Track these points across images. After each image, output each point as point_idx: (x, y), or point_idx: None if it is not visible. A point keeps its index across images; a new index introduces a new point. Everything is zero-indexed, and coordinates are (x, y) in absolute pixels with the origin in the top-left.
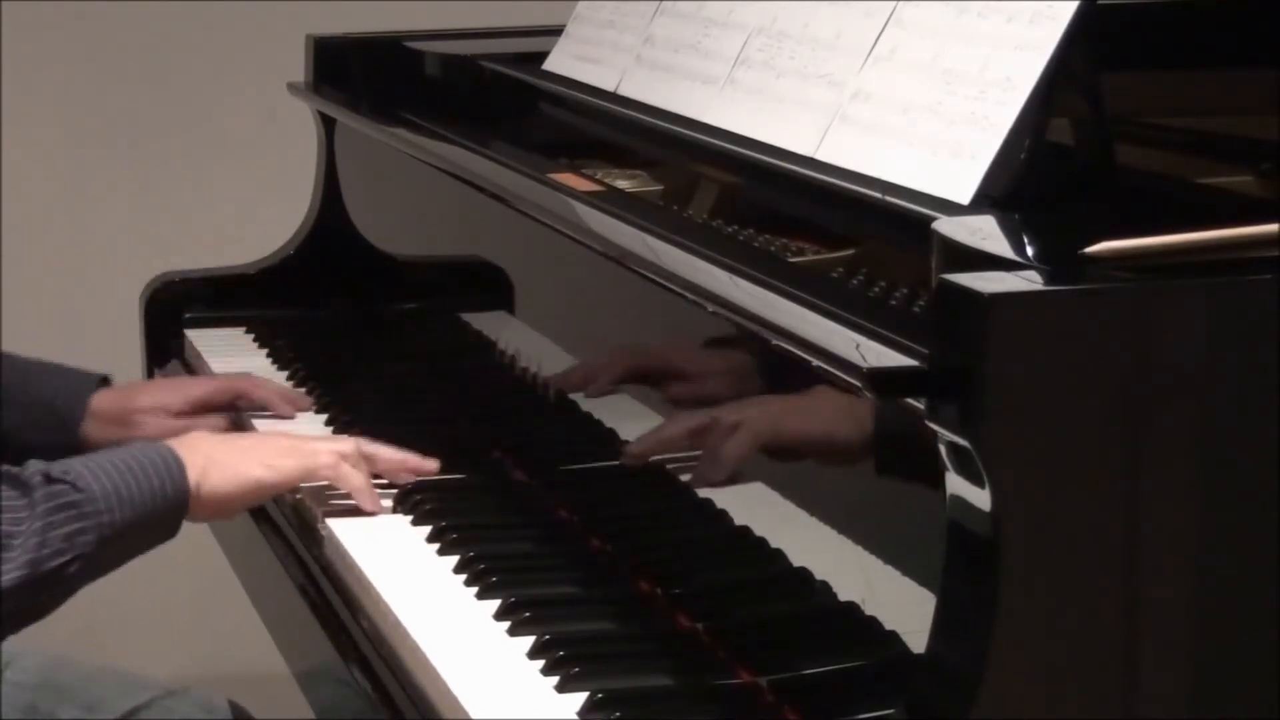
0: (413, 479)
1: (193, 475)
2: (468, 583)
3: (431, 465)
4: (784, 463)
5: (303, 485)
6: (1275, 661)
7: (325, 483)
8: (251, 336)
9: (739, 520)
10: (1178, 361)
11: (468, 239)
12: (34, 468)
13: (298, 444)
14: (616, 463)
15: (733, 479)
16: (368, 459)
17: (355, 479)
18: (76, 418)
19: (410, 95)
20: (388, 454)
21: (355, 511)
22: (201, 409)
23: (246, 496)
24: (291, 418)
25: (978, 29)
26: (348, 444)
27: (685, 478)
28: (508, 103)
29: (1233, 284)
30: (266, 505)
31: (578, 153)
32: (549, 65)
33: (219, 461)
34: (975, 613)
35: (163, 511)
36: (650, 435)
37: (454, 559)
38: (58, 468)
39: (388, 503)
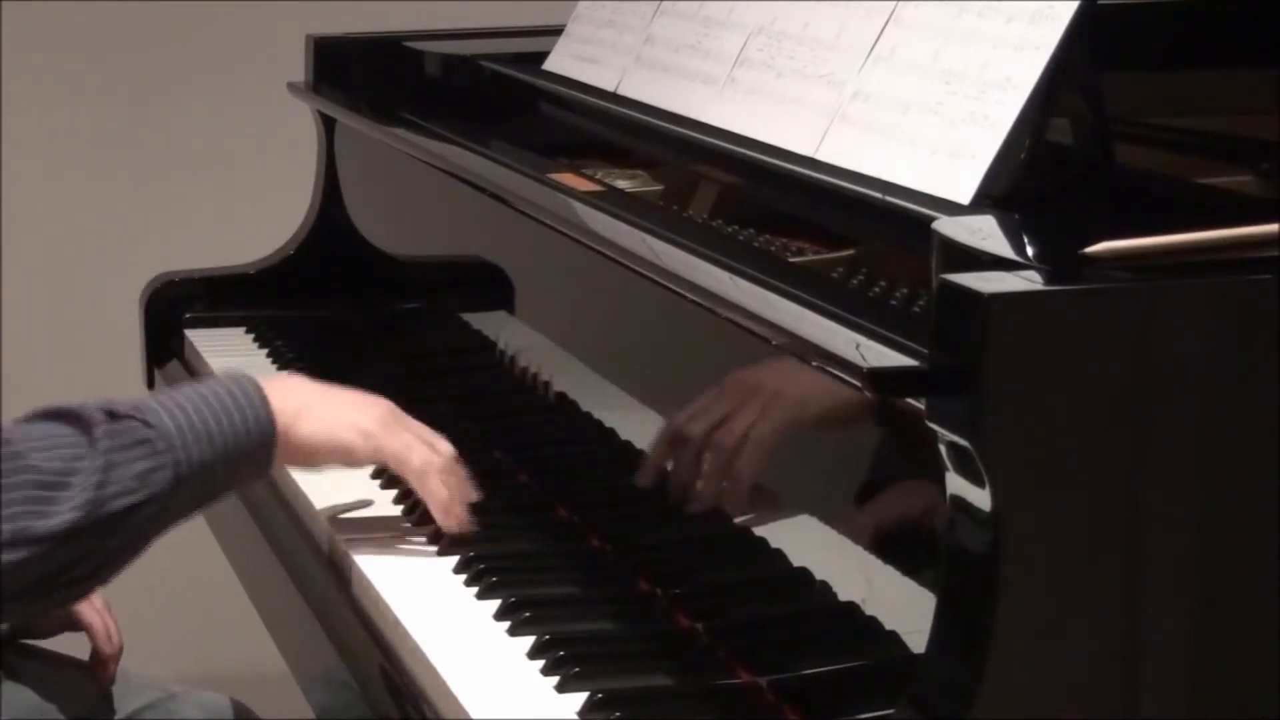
0: (450, 525)
1: (282, 419)
2: (468, 583)
3: (452, 531)
4: (792, 463)
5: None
6: (1276, 662)
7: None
8: (251, 336)
9: (739, 520)
10: (1177, 361)
11: (468, 239)
12: (96, 404)
13: (396, 426)
14: (616, 463)
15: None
16: (453, 475)
17: (440, 492)
18: None
19: (410, 95)
20: (464, 486)
21: (357, 514)
22: None
23: (334, 454)
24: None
25: (978, 29)
26: (443, 454)
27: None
28: (508, 103)
29: (1233, 284)
30: (267, 505)
31: (578, 153)
32: (549, 65)
33: (314, 411)
34: (975, 613)
35: (248, 447)
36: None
37: (454, 559)
38: (126, 404)
39: (459, 521)
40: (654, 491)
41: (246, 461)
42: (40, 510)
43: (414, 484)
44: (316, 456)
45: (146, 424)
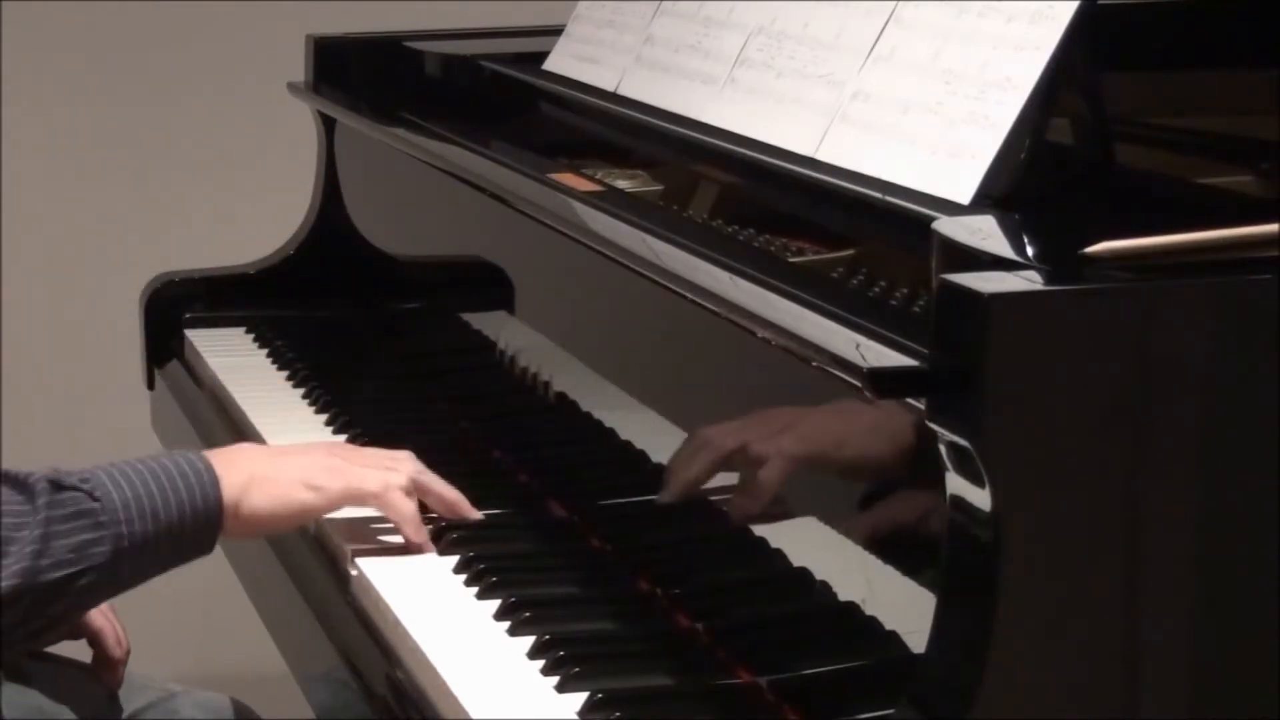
0: (456, 518)
1: (232, 492)
2: (468, 583)
3: (475, 516)
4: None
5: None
6: (1276, 662)
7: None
8: (251, 336)
9: (739, 520)
10: (1178, 361)
11: (468, 239)
12: (42, 473)
13: (346, 465)
14: (616, 463)
15: (774, 510)
16: (420, 489)
17: (404, 508)
18: None
19: (410, 95)
20: (440, 489)
21: (356, 514)
22: None
23: (291, 519)
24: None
25: (978, 29)
26: (401, 471)
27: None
28: (508, 103)
29: (1233, 284)
30: None
31: (578, 153)
32: (549, 65)
33: (261, 479)
34: (975, 613)
35: (191, 528)
36: (681, 475)
37: (454, 559)
38: (75, 475)
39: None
40: (654, 492)
41: (189, 540)
42: None
43: (380, 509)
44: (275, 523)
45: (91, 496)
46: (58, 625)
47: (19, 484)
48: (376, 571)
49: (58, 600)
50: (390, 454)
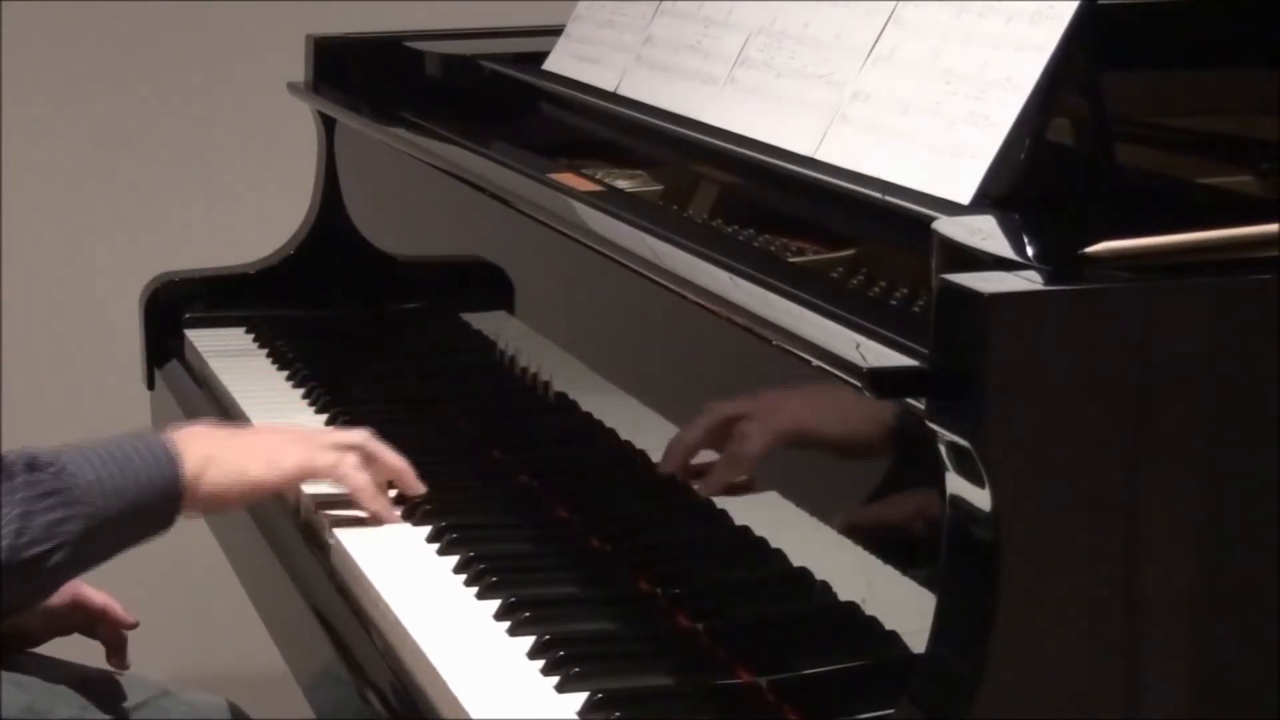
0: (377, 509)
1: (191, 470)
2: (468, 583)
3: (419, 489)
4: (792, 463)
5: (308, 491)
6: (1276, 662)
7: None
8: (251, 336)
9: (739, 520)
10: (1177, 361)
11: (468, 239)
12: (17, 453)
13: (301, 442)
14: (615, 462)
15: (747, 483)
16: (368, 459)
17: (356, 479)
18: None
19: (410, 95)
20: (388, 458)
21: (357, 513)
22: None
23: (246, 495)
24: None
25: (978, 29)
26: (354, 440)
27: (686, 478)
28: (508, 103)
29: (1233, 284)
30: (266, 504)
31: (578, 153)
32: (549, 65)
33: (218, 458)
34: (975, 612)
35: (154, 504)
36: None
37: (454, 559)
38: (46, 454)
39: (386, 504)
40: (654, 491)
41: (152, 516)
42: None
43: (335, 481)
44: (230, 499)
45: (60, 475)
46: (26, 605)
47: None
48: (376, 571)
49: (31, 579)
50: (342, 432)
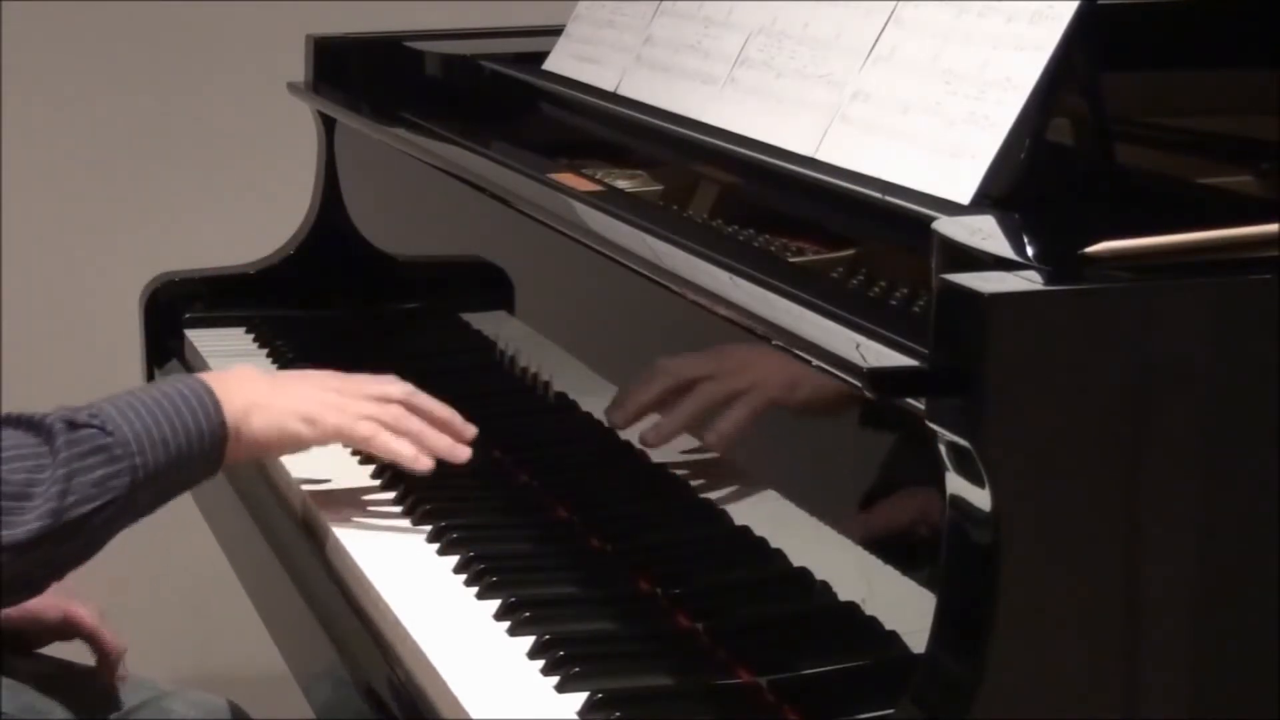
0: (451, 447)
1: (232, 418)
2: (468, 583)
3: (471, 431)
4: (791, 463)
5: (308, 490)
6: (1276, 662)
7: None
8: (251, 336)
9: (739, 520)
10: (1178, 362)
11: (468, 239)
12: (57, 414)
13: (341, 401)
14: (615, 462)
15: (731, 444)
16: (414, 410)
17: (395, 446)
18: None
19: (410, 95)
20: (433, 407)
21: (357, 513)
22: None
23: (284, 446)
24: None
25: (978, 29)
26: (395, 394)
27: (685, 476)
28: (508, 103)
29: (1233, 284)
30: (266, 503)
31: (578, 153)
32: (549, 65)
33: (261, 406)
34: (975, 612)
35: (199, 453)
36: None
37: (454, 559)
38: (84, 412)
39: (429, 462)
40: (654, 491)
41: (198, 463)
42: (7, 521)
43: (373, 451)
44: (269, 450)
45: (104, 431)
46: (79, 561)
47: (35, 426)
48: (376, 571)
49: (79, 536)
50: (379, 379)
